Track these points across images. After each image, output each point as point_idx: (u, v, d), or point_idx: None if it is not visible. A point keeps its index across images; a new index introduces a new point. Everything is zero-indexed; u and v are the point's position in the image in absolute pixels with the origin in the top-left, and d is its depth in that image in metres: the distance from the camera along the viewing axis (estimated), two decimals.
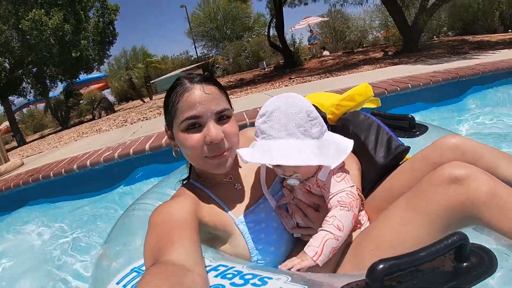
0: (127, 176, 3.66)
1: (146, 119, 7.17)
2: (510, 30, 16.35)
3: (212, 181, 1.25)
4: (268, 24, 14.86)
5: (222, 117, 1.12)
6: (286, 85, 6.69)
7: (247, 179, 1.32)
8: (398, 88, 3.78)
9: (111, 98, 28.78)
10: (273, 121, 1.05)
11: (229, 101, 1.19)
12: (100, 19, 17.20)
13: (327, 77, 6.87)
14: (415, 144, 1.45)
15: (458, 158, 1.11)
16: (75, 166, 3.65)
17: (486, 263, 0.73)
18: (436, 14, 16.79)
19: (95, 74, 21.89)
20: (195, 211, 1.03)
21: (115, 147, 4.03)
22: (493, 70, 4.52)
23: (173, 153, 1.25)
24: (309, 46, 20.99)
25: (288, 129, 1.03)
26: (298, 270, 0.98)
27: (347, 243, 1.12)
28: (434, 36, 17.69)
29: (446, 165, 0.98)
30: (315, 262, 0.98)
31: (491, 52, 7.61)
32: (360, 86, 1.67)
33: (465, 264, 0.72)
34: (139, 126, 6.01)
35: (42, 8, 13.67)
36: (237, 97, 7.04)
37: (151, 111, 9.08)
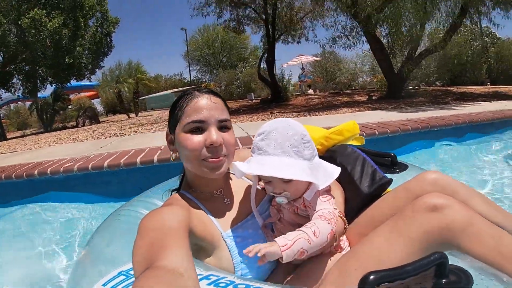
0: (83, 188, 3.66)
1: (121, 135, 7.07)
2: (488, 84, 16.80)
3: (202, 193, 1.28)
4: (260, 58, 15.05)
5: (223, 127, 1.21)
6: (263, 119, 6.71)
7: (237, 195, 1.36)
8: (364, 134, 3.78)
9: (100, 108, 28.62)
10: (270, 140, 1.14)
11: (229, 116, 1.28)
12: (99, 29, 17.27)
13: (305, 115, 6.91)
14: (395, 181, 1.54)
15: (438, 191, 1.17)
16: (36, 172, 3.65)
17: (463, 280, 0.81)
18: (425, 63, 17.28)
19: (88, 81, 21.72)
20: (187, 220, 1.04)
21: (77, 159, 4.02)
22: (467, 121, 4.59)
23: (171, 158, 1.32)
24: (299, 83, 21.29)
25: (283, 147, 1.12)
26: (263, 256, 0.99)
27: (325, 267, 1.20)
28: (422, 84, 18.08)
29: (427, 194, 1.08)
30: (281, 253, 1.00)
31: (472, 103, 7.80)
32: (349, 123, 1.81)
33: (444, 280, 0.80)
34: (110, 141, 5.94)
35: (44, 9, 13.69)
36: None
37: (130, 127, 8.92)
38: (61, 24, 13.82)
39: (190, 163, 1.21)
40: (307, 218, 1.20)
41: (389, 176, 1.51)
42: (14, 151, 6.90)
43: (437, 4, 9.84)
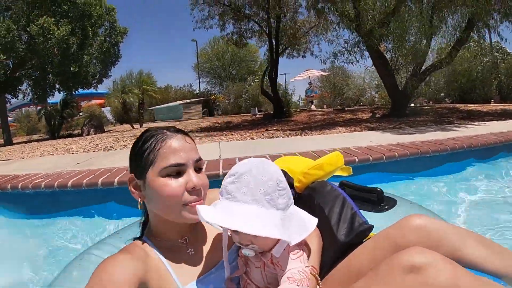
0: (49, 208, 3.54)
1: (109, 149, 6.93)
2: (492, 101, 16.39)
3: (165, 241, 1.19)
4: (263, 72, 14.87)
5: (198, 167, 1.15)
6: (252, 138, 6.42)
7: (203, 244, 1.27)
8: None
9: (110, 116, 28.91)
10: (242, 183, 1.02)
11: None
12: (107, 38, 17.47)
13: (296, 134, 6.62)
14: (384, 218, 1.45)
15: (422, 240, 1.07)
16: (9, 186, 3.61)
17: None
18: (435, 79, 16.97)
19: (95, 90, 21.92)
20: (139, 273, 0.98)
21: (51, 175, 3.94)
22: (465, 146, 4.26)
23: (139, 206, 1.19)
24: (306, 97, 21.13)
25: (254, 194, 1.00)
26: None
27: None
28: (431, 101, 17.75)
29: (406, 251, 0.94)
30: None
31: (477, 123, 7.47)
32: (331, 156, 1.67)
33: None
34: (90, 156, 5.79)
35: (53, 17, 14.02)
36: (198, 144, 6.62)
37: (125, 140, 8.80)
38: (69, 33, 14.16)
39: (168, 210, 1.11)
40: (275, 275, 1.09)
41: (376, 214, 1.45)
42: (8, 159, 6.94)
43: (444, 18, 9.57)
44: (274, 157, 3.72)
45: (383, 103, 13.80)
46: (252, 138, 6.34)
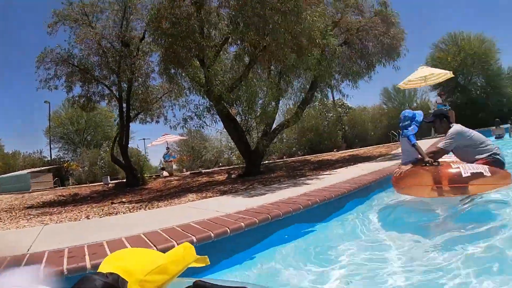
0: None
1: None
2: (335, 150, 18.49)
3: None
4: (114, 138, 13.83)
5: None
6: (88, 216, 5.41)
7: None
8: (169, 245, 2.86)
9: None
10: None
11: None
12: None
13: (141, 208, 5.93)
14: None
15: None
16: None
17: None
18: (286, 136, 18.42)
19: None
20: None
21: None
22: (319, 201, 4.32)
23: None
24: (165, 162, 20.55)
25: None
26: None
27: None
28: (285, 156, 19.03)
29: None
30: None
31: (328, 173, 8.01)
32: (176, 251, 1.33)
33: None
34: None
35: None
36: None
37: None
38: None
39: None
40: None
41: None
42: None
43: (290, 82, 10.35)
44: (95, 248, 2.98)
45: (238, 163, 14.16)
46: (88, 217, 5.36)
